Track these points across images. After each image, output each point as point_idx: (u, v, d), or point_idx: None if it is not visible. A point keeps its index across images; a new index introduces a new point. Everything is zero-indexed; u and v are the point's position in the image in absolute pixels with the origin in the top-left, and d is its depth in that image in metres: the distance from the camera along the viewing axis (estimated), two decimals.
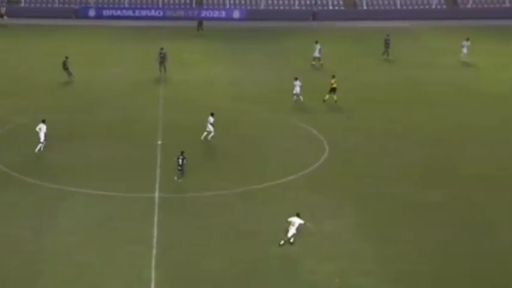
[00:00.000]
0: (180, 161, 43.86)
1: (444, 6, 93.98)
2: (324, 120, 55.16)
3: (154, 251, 36.42)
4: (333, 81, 58.14)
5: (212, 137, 49.84)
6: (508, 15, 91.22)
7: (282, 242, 36.99)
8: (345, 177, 45.36)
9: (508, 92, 62.34)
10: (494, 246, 37.60)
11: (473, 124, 54.66)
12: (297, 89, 57.80)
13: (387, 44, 71.73)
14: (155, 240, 37.48)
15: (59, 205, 41.12)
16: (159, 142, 49.99)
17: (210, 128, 49.71)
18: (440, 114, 56.52)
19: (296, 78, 58.11)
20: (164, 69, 65.38)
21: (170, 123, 53.53)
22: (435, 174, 45.93)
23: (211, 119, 49.74)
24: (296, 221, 36.86)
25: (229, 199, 42.48)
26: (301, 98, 57.91)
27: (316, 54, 69.08)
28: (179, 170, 44.00)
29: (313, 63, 69.32)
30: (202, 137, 49.85)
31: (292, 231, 36.79)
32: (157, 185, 43.65)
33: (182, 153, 44.01)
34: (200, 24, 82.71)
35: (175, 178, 44.14)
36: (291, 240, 37.00)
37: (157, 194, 42.57)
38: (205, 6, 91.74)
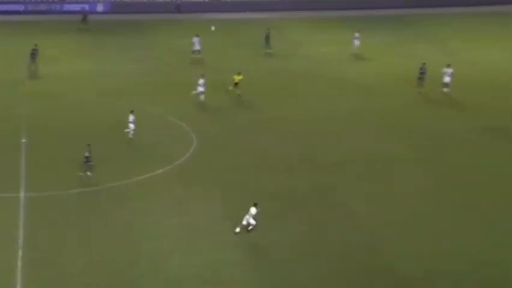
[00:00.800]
0: (87, 153, 43.19)
1: None
2: (193, 114, 55.11)
3: (20, 252, 35.69)
4: (236, 77, 58.12)
5: (132, 134, 49.21)
6: (365, 6, 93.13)
7: (237, 230, 37.62)
8: (212, 170, 45.65)
9: (374, 83, 63.68)
10: (356, 231, 38.81)
11: (337, 115, 55.71)
12: (200, 88, 56.65)
13: (267, 38, 72.43)
14: (21, 241, 36.72)
15: None
16: (23, 140, 48.90)
17: (131, 126, 49.03)
18: (305, 106, 57.41)
19: (203, 76, 57.03)
20: (34, 64, 64.33)
21: (36, 120, 52.41)
22: (299, 163, 46.86)
23: (131, 117, 49.05)
24: (252, 210, 37.75)
25: (97, 195, 42.09)
26: (202, 97, 56.77)
27: (197, 47, 69.19)
28: (86, 163, 43.33)
29: (194, 56, 69.22)
30: (130, 135, 49.06)
31: (247, 219, 37.62)
32: (22, 184, 42.74)
33: (88, 146, 43.40)
34: (84, 18, 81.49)
35: (80, 174, 43.48)
36: (249, 228, 37.73)
37: (22, 194, 41.67)
38: (67, 0, 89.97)
